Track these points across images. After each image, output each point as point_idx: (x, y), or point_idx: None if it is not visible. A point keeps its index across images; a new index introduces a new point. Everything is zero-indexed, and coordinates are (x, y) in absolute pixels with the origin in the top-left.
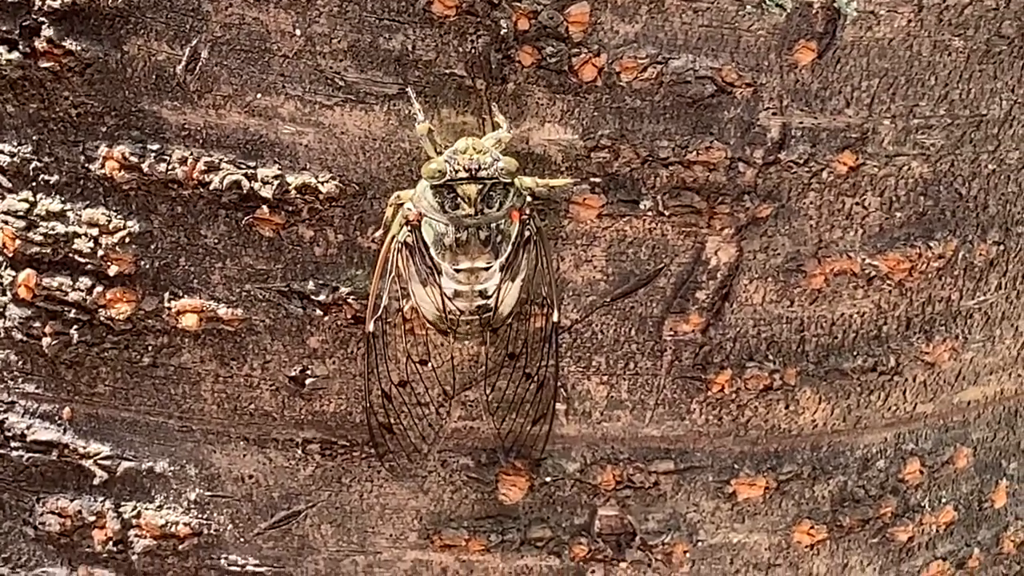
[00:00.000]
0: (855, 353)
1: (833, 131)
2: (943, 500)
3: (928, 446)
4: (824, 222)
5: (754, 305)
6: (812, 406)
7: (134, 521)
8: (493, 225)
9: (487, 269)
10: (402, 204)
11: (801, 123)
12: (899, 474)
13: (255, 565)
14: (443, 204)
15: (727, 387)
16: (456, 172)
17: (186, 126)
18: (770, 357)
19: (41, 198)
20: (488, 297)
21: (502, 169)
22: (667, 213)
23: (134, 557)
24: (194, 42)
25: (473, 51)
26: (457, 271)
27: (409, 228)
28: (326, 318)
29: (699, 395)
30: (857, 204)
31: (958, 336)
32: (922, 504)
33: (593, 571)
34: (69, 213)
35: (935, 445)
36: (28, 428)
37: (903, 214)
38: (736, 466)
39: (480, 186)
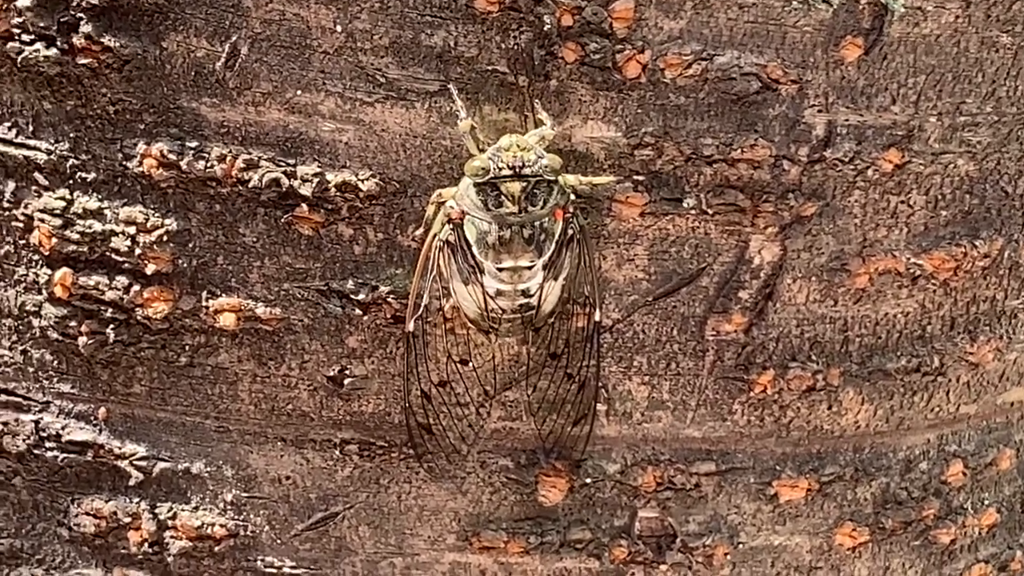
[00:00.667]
0: (899, 353)
1: (879, 128)
2: (986, 502)
3: (971, 447)
4: (869, 220)
5: (797, 305)
6: (855, 407)
7: (170, 522)
8: (537, 223)
9: (530, 268)
10: (444, 202)
11: (847, 120)
12: (942, 476)
13: (292, 567)
14: (487, 202)
15: (769, 388)
16: (500, 169)
17: (225, 123)
18: (813, 357)
19: (78, 196)
20: (530, 296)
21: (546, 166)
22: (710, 211)
23: (170, 559)
24: (234, 38)
25: (516, 47)
26: (500, 270)
27: (452, 226)
28: (365, 317)
29: (741, 396)
30: (902, 202)
31: (1002, 336)
32: (965, 506)
33: (633, 573)
34: (106, 211)
35: (978, 446)
36: (63, 428)
37: (948, 213)
38: (778, 467)
39: (524, 184)
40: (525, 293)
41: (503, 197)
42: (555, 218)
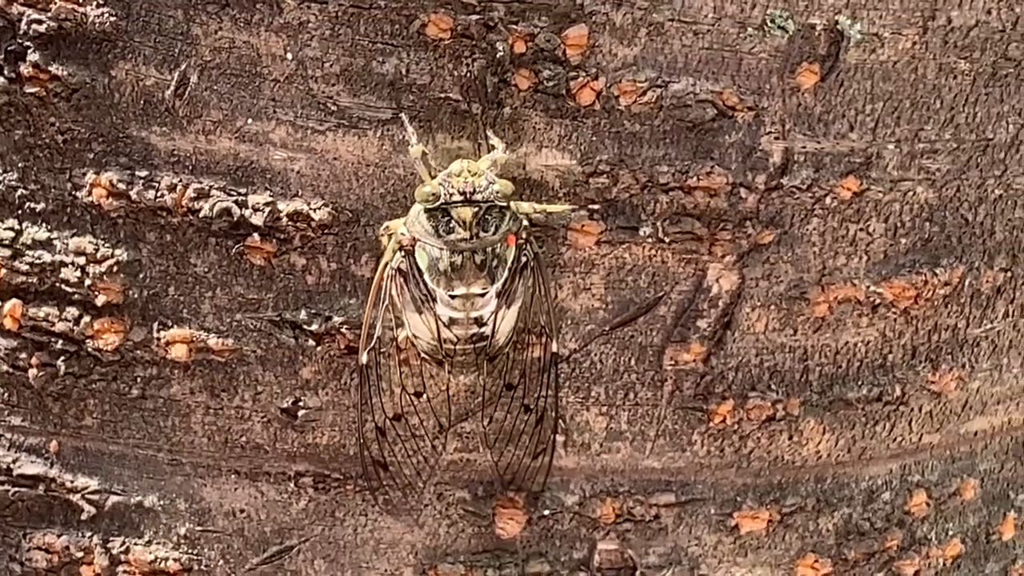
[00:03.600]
0: (860, 383)
1: (837, 156)
2: (950, 533)
3: (934, 477)
4: (828, 248)
5: (756, 334)
6: (816, 437)
7: (123, 557)
8: (489, 249)
9: (483, 295)
10: (392, 234)
11: (804, 148)
12: (905, 506)
13: None
14: (437, 228)
15: (729, 418)
16: (451, 195)
17: (175, 152)
18: (773, 387)
19: (27, 226)
20: (484, 324)
21: (497, 192)
22: (667, 240)
23: None
24: (183, 66)
25: (468, 75)
26: (452, 297)
27: (403, 254)
28: (319, 348)
29: (700, 426)
30: (861, 230)
31: (965, 365)
32: (928, 537)
33: None
34: (56, 242)
35: (941, 476)
36: (14, 462)
37: (908, 240)
38: (739, 499)
39: (475, 209)
40: (478, 321)
41: (454, 223)
42: (508, 244)
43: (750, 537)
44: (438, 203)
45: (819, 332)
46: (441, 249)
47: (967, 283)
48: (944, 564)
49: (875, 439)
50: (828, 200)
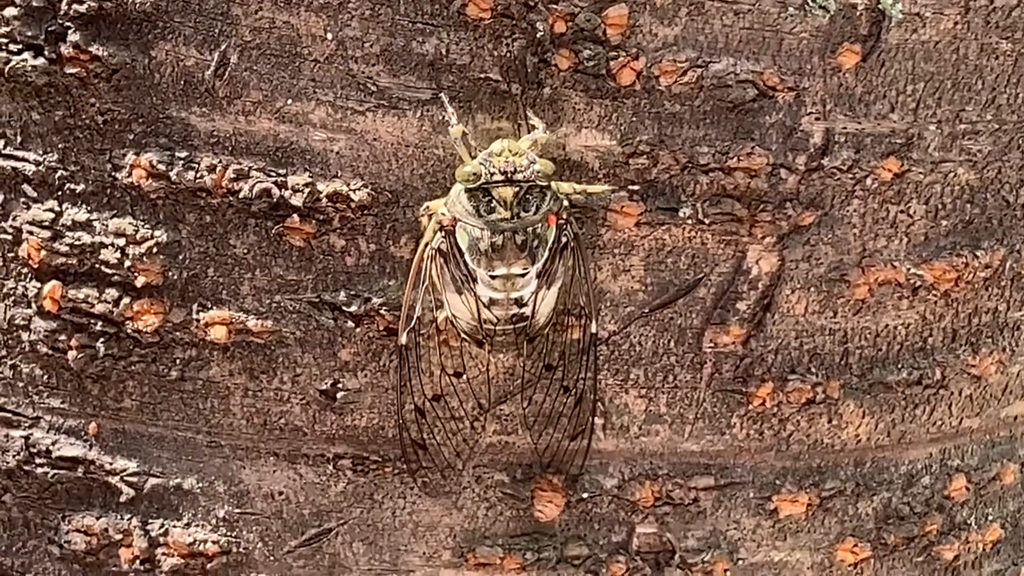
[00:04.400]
0: (900, 366)
1: (877, 136)
2: (989, 517)
3: (974, 462)
4: (868, 230)
5: (796, 316)
6: (856, 420)
7: (161, 539)
8: (530, 229)
9: (523, 275)
10: (432, 214)
11: (845, 128)
12: (944, 491)
13: None
14: (478, 208)
15: (768, 401)
16: (491, 174)
17: (215, 133)
18: (812, 370)
19: (67, 207)
20: (524, 305)
21: (538, 171)
22: (707, 221)
23: None
24: (223, 47)
25: (508, 55)
26: (493, 278)
27: (443, 234)
28: (358, 330)
29: (740, 409)
30: (902, 212)
31: (1005, 348)
32: (968, 522)
33: None
34: (95, 223)
35: (981, 461)
36: (53, 444)
37: (949, 222)
38: (778, 482)
39: (516, 189)
40: (519, 302)
41: (495, 203)
42: (548, 224)
43: (789, 521)
44: (479, 183)
45: (859, 314)
46: (482, 229)
47: (1008, 266)
48: (984, 549)
49: (915, 423)
50: (869, 181)
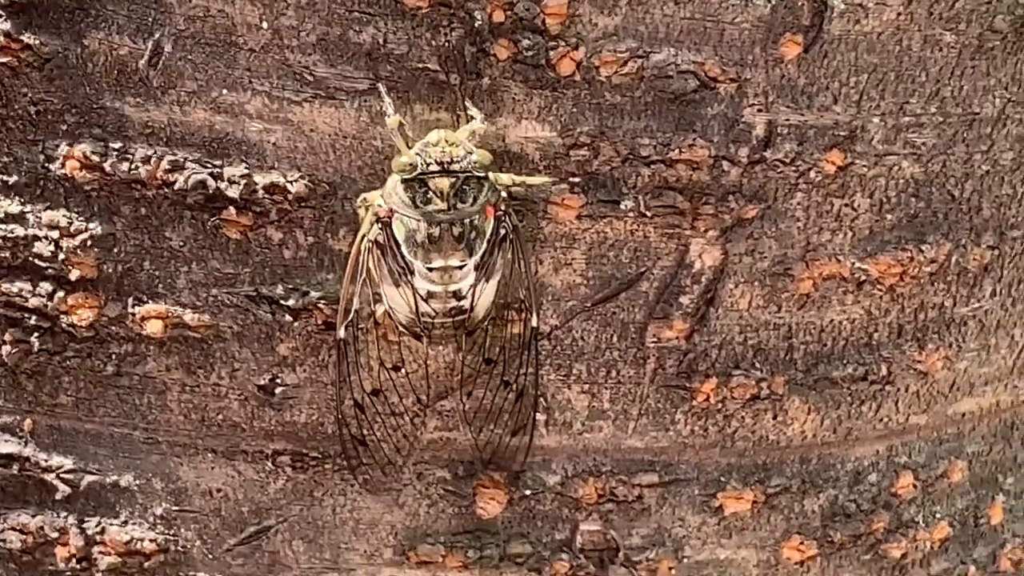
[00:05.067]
0: (845, 361)
1: (820, 129)
2: (937, 515)
3: (921, 459)
4: (812, 224)
5: (740, 311)
6: (801, 416)
7: (98, 537)
8: (467, 221)
9: (461, 268)
10: (370, 206)
11: (787, 120)
12: (891, 488)
13: None
14: (415, 199)
15: (712, 396)
16: (428, 165)
17: (149, 123)
18: (757, 365)
19: None
20: (462, 298)
21: (476, 162)
22: (649, 214)
23: (98, 575)
24: (157, 35)
25: (447, 44)
26: (430, 270)
27: (380, 226)
28: (296, 324)
29: (684, 405)
30: (846, 205)
31: (952, 344)
32: (915, 519)
33: None
34: (29, 215)
35: (928, 458)
36: None
37: (894, 216)
38: (723, 479)
39: (453, 180)
40: (457, 295)
41: (431, 194)
42: (486, 216)
43: (735, 518)
44: (415, 173)
45: (804, 309)
46: (418, 220)
47: (953, 260)
48: (931, 547)
49: (861, 419)
50: (812, 174)
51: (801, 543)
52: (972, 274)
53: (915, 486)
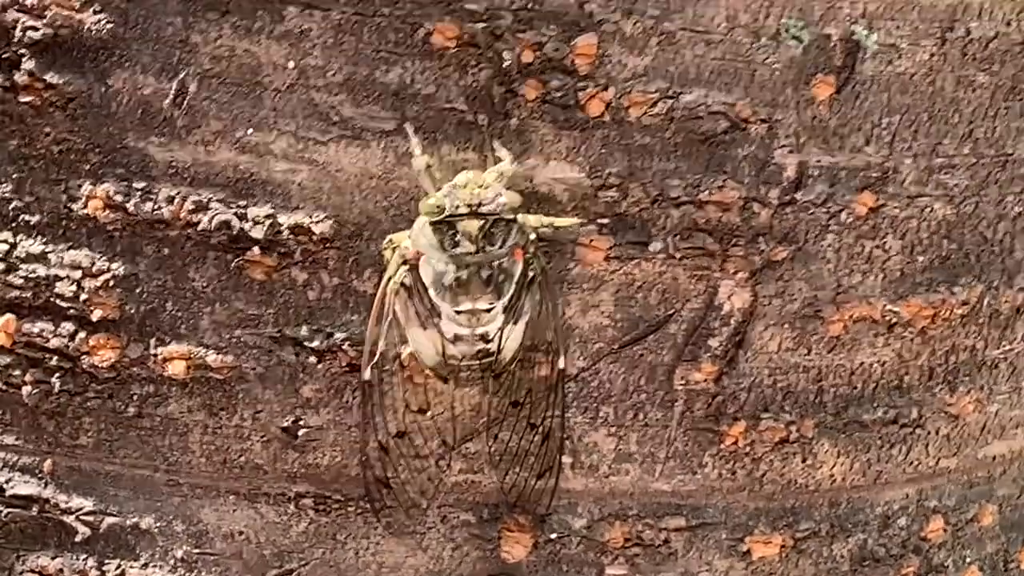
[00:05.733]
0: (875, 404)
1: (852, 170)
2: (967, 560)
3: (952, 503)
4: (843, 266)
5: (769, 353)
6: (830, 460)
7: None
8: (495, 263)
9: (489, 311)
10: (396, 247)
11: (819, 161)
12: (921, 532)
13: None
14: (443, 242)
15: (741, 439)
16: (456, 207)
17: (173, 163)
18: (786, 408)
19: (21, 239)
20: (490, 341)
21: (505, 204)
22: (678, 256)
23: None
24: (182, 75)
25: (475, 84)
26: (458, 313)
27: (407, 268)
28: (320, 366)
29: (712, 448)
30: (877, 247)
31: (983, 387)
32: (945, 564)
33: None
34: (51, 255)
35: (959, 502)
36: (7, 482)
37: (926, 258)
38: (751, 523)
39: (482, 222)
40: (484, 338)
41: (460, 236)
42: (515, 258)
43: (762, 563)
44: (443, 215)
45: (834, 352)
46: (446, 263)
47: (985, 303)
48: None
49: (891, 463)
50: (843, 216)
51: None
52: (1004, 316)
53: (945, 530)
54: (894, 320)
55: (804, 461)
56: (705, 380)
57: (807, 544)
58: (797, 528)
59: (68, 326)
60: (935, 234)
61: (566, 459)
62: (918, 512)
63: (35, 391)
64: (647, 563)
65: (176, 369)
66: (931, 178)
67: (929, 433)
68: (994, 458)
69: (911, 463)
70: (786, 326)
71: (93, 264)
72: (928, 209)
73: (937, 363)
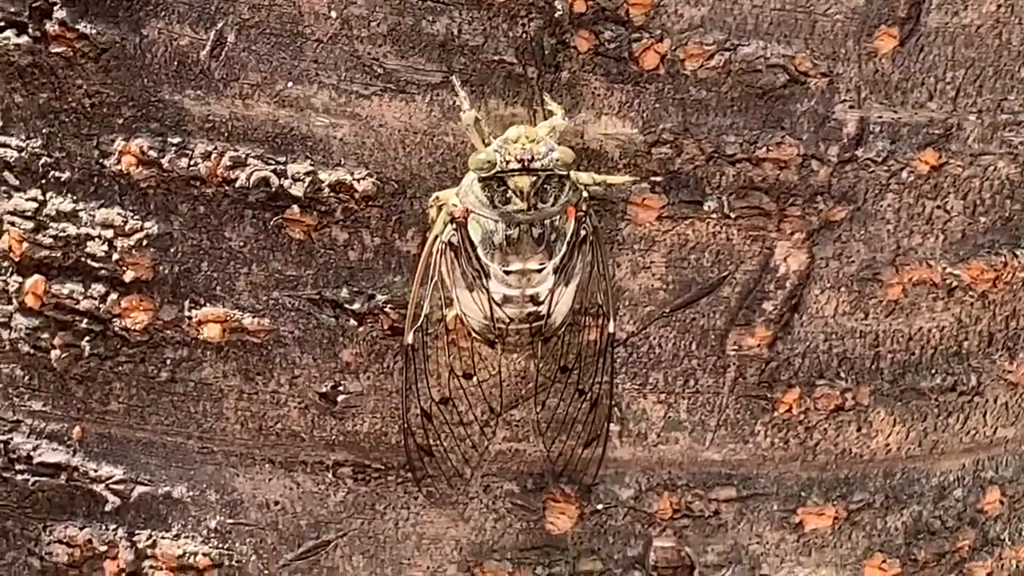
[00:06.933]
0: (933, 371)
1: (914, 126)
2: None
3: (1009, 474)
4: (903, 227)
5: (825, 317)
6: (886, 429)
7: (149, 551)
8: (547, 222)
9: (540, 271)
10: (443, 205)
11: (880, 117)
12: (978, 504)
13: None
14: (492, 198)
15: (795, 407)
16: (507, 163)
17: (210, 118)
18: (842, 374)
19: (51, 197)
20: (540, 303)
21: (557, 160)
22: (733, 215)
23: None
24: (220, 25)
25: (524, 36)
26: (507, 273)
27: (455, 227)
28: (361, 329)
29: (764, 416)
30: (939, 207)
31: None
32: (1002, 537)
33: None
34: (81, 213)
35: (1016, 472)
36: (34, 449)
37: (988, 219)
38: (803, 494)
39: (534, 178)
40: (534, 299)
41: (511, 193)
42: (567, 216)
43: (815, 535)
44: (493, 171)
45: (892, 316)
46: (496, 221)
47: None
48: (1018, 566)
49: (948, 432)
50: (904, 174)
51: (884, 561)
52: None
53: (1002, 502)
54: (954, 283)
55: (859, 430)
56: (758, 345)
57: (861, 516)
58: (851, 499)
59: (99, 287)
60: (998, 194)
61: (614, 427)
62: (974, 483)
63: (64, 355)
64: (696, 535)
65: (211, 332)
66: (995, 135)
67: (987, 401)
68: None
69: (968, 432)
70: (843, 289)
71: (126, 223)
72: (992, 168)
73: (997, 328)
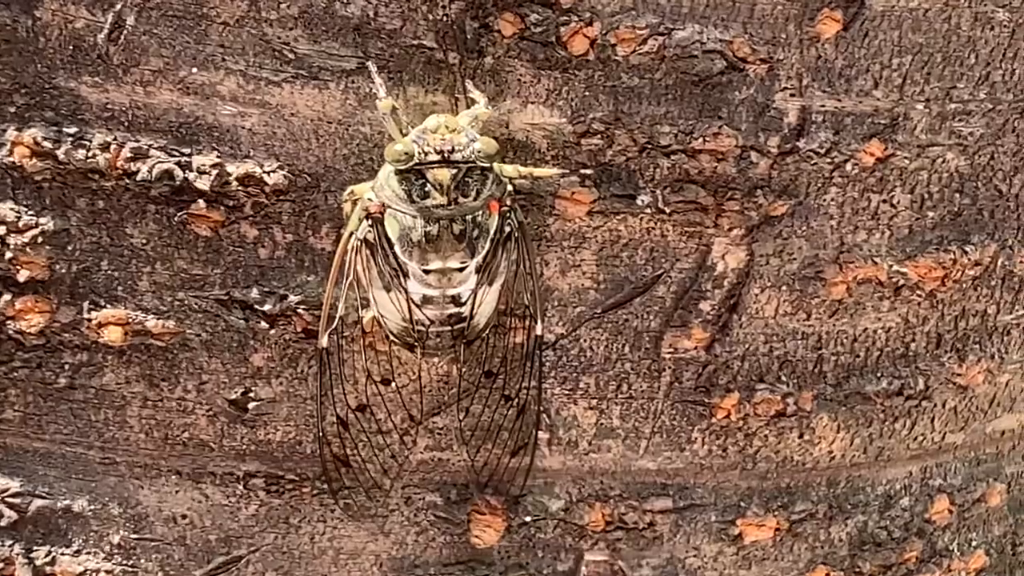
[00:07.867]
0: (879, 374)
1: (859, 116)
2: (973, 543)
3: (957, 481)
4: (847, 222)
5: (765, 318)
6: (829, 435)
7: (48, 568)
8: (468, 217)
9: (461, 270)
10: (358, 200)
11: (823, 106)
12: (925, 513)
13: None
14: (410, 192)
15: (733, 413)
16: (426, 154)
17: (109, 106)
18: (783, 378)
19: None
20: (462, 304)
21: (479, 151)
22: (668, 210)
23: None
24: (118, 6)
25: (445, 19)
26: (426, 272)
27: (370, 223)
28: (272, 331)
29: (701, 422)
30: (884, 202)
31: (994, 356)
32: (950, 547)
33: None
34: None
35: (965, 480)
36: None
37: (936, 214)
38: (743, 504)
39: (454, 171)
40: (455, 300)
41: (429, 186)
42: (490, 211)
43: (755, 547)
44: (411, 164)
45: (835, 317)
46: (414, 217)
47: (999, 263)
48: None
49: (894, 438)
50: (848, 167)
51: (827, 574)
52: (1018, 278)
53: (950, 511)
54: (901, 282)
55: (801, 436)
56: (695, 348)
57: (803, 527)
58: (792, 509)
59: None
60: (947, 187)
61: (542, 435)
62: (922, 492)
63: None
64: (630, 548)
65: (112, 335)
66: (944, 125)
67: (935, 406)
68: (1003, 433)
69: (915, 438)
70: (784, 288)
71: (19, 219)
72: (940, 160)
73: (946, 329)
